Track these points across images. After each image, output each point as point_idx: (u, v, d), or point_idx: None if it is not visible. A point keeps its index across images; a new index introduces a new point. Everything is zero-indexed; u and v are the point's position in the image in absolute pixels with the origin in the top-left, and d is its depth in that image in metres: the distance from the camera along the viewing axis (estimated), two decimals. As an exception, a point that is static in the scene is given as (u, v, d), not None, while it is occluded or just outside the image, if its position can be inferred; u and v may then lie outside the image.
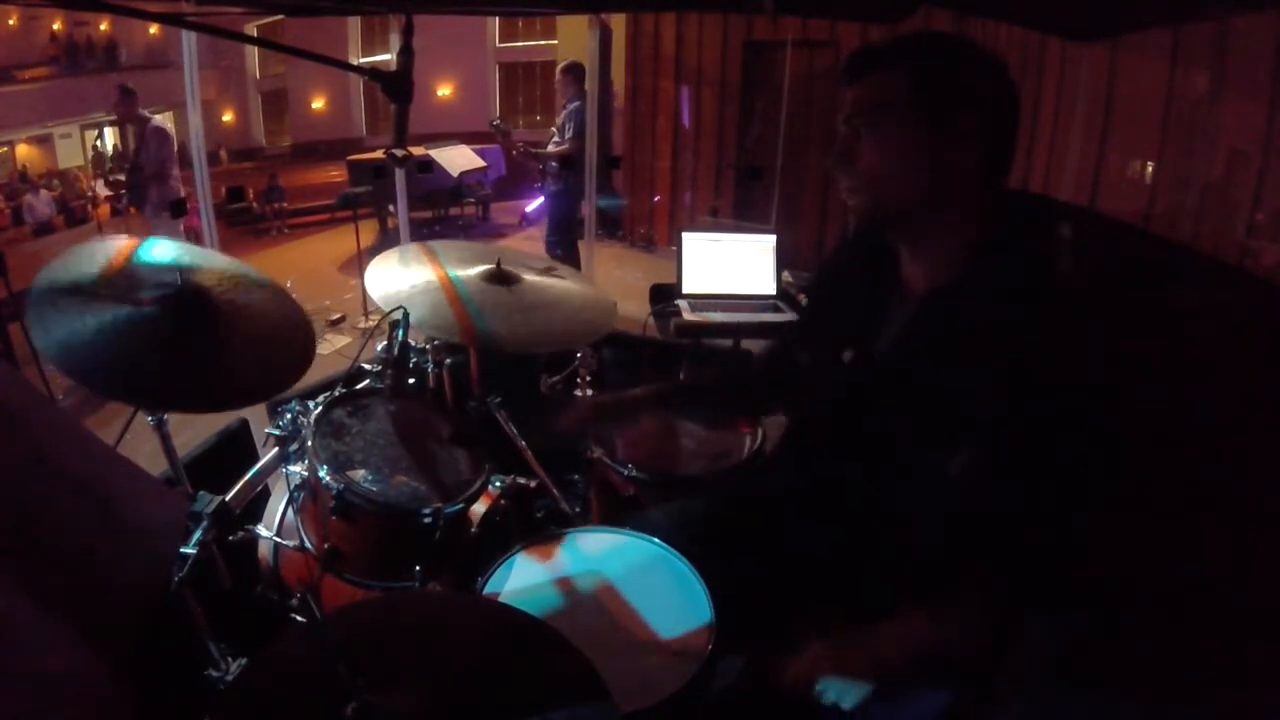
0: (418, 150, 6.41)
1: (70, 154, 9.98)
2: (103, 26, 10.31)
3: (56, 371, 1.10)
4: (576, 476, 1.86)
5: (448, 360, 1.65)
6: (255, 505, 1.45)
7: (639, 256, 6.53)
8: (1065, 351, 0.89)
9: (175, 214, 4.42)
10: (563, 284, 1.61)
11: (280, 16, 6.53)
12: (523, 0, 5.52)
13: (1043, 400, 0.88)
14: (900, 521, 1.02)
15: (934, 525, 0.98)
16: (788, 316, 2.46)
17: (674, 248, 2.65)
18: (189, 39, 2.23)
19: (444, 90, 11.80)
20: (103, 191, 8.32)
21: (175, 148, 4.62)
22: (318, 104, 12.67)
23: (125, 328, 1.11)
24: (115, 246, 1.23)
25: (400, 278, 1.50)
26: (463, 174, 7.42)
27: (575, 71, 4.54)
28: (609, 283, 1.56)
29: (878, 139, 0.96)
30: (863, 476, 1.08)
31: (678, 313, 2.47)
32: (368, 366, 1.53)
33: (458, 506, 1.28)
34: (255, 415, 2.17)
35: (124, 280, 1.18)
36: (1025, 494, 0.89)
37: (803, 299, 2.08)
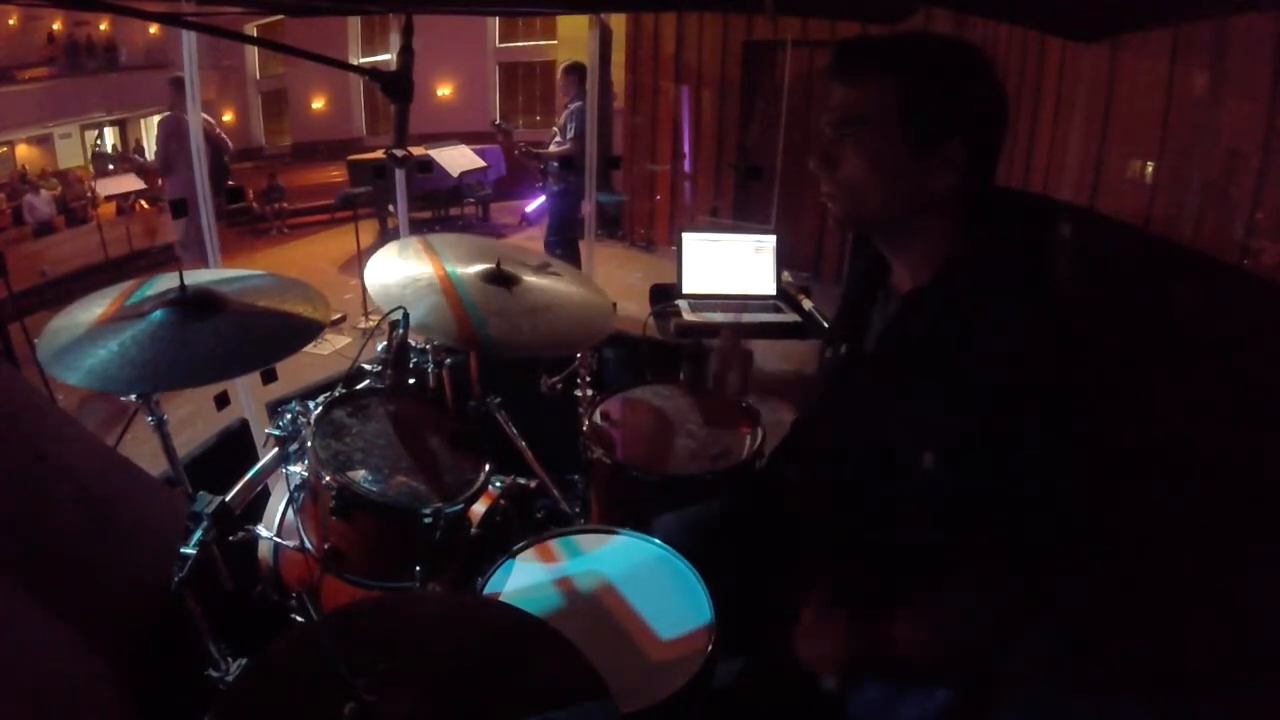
0: (418, 150, 6.40)
1: (70, 154, 9.97)
2: (103, 26, 10.30)
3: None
4: (576, 476, 1.86)
5: (448, 360, 1.65)
6: (255, 505, 1.45)
7: (639, 256, 6.53)
8: (1039, 350, 0.89)
9: (175, 214, 4.43)
10: (562, 286, 1.61)
11: (280, 16, 6.52)
12: (523, 0, 5.52)
13: (1010, 399, 0.88)
14: (889, 517, 1.03)
15: (918, 520, 0.98)
16: (788, 316, 2.46)
17: (674, 248, 2.65)
18: (189, 39, 2.23)
19: (444, 90, 11.78)
20: (107, 191, 8.27)
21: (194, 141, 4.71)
22: (318, 104, 12.65)
23: (142, 334, 1.17)
24: (107, 299, 1.30)
25: (400, 281, 1.50)
26: (463, 174, 7.41)
27: (578, 72, 4.54)
28: (609, 283, 1.57)
29: (858, 151, 0.95)
30: (854, 473, 1.09)
31: (678, 313, 2.47)
32: (368, 366, 1.53)
33: (458, 506, 1.28)
34: (255, 415, 2.17)
35: (125, 312, 1.24)
36: (995, 491, 0.89)
37: (804, 300, 2.08)
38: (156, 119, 4.79)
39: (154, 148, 5.32)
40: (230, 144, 5.69)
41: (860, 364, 1.10)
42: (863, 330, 1.11)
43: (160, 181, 5.29)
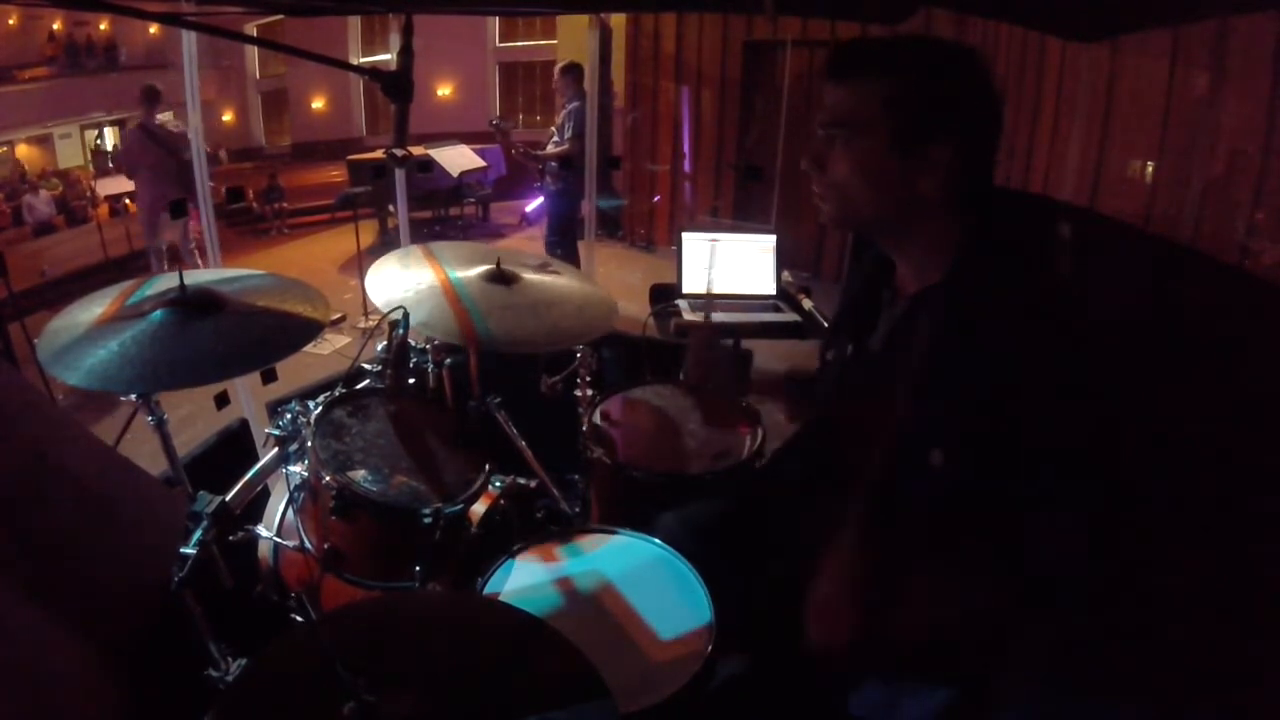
0: (418, 150, 6.41)
1: (70, 154, 9.95)
2: (103, 26, 10.28)
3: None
4: (576, 476, 1.86)
5: (448, 360, 1.65)
6: (255, 505, 1.45)
7: (639, 256, 6.52)
8: (1044, 351, 0.89)
9: (174, 215, 4.43)
10: (563, 282, 1.61)
11: (280, 16, 6.52)
12: (523, 0, 5.52)
13: (1018, 399, 0.88)
14: (891, 516, 1.02)
15: (920, 519, 0.98)
16: (788, 316, 2.46)
17: (674, 248, 2.66)
18: (189, 39, 2.23)
19: (444, 90, 11.78)
20: (107, 191, 8.26)
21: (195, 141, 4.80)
22: (318, 104, 12.64)
23: (142, 334, 1.17)
24: (107, 298, 1.30)
25: (400, 283, 1.50)
26: (463, 174, 7.41)
27: (573, 72, 4.54)
28: (609, 283, 1.57)
29: (845, 153, 0.96)
30: (858, 473, 1.08)
31: (678, 313, 2.48)
32: (368, 366, 1.53)
33: (458, 506, 1.28)
34: (255, 415, 2.18)
35: (125, 311, 1.24)
36: (1003, 491, 0.89)
37: (804, 299, 2.08)
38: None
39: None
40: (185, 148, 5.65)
41: (867, 364, 1.10)
42: (867, 331, 1.11)
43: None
